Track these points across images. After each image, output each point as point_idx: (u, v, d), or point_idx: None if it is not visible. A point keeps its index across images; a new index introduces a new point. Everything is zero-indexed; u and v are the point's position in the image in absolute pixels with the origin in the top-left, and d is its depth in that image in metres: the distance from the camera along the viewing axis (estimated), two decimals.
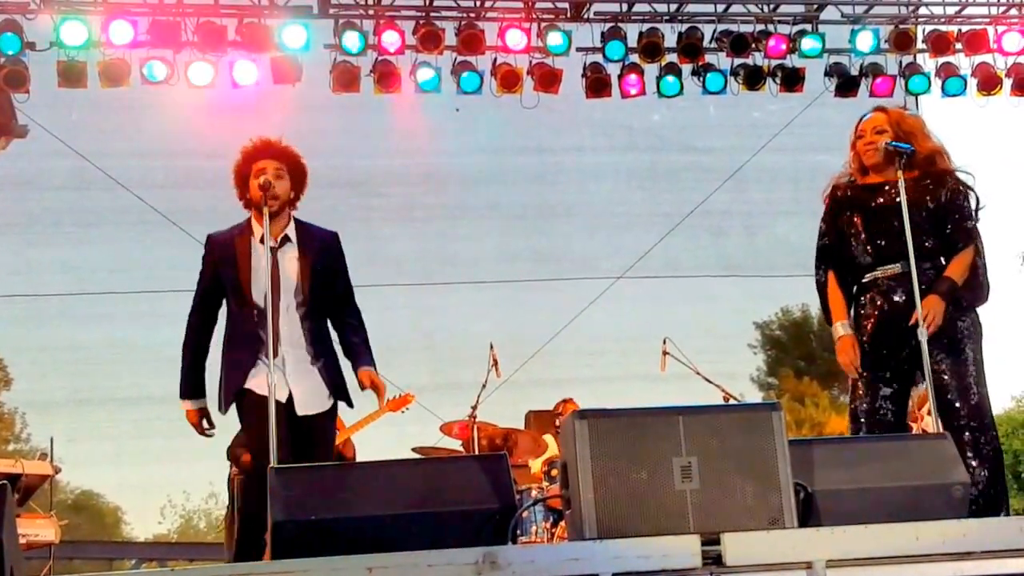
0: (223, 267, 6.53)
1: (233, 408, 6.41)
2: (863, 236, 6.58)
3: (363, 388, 6.58)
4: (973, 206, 6.60)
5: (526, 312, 16.60)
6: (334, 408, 6.64)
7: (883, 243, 6.51)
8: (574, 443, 4.52)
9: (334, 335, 6.77)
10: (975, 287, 6.54)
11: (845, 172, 6.86)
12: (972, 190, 6.64)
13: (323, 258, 6.64)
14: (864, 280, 6.62)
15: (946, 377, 6.27)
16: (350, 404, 6.75)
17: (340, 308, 6.74)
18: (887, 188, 6.61)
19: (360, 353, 6.67)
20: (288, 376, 6.38)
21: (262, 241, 6.45)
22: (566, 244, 16.85)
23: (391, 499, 4.85)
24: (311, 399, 6.47)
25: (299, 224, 6.69)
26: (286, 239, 6.57)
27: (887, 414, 6.45)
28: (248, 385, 6.34)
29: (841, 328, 6.64)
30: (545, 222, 16.63)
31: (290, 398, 6.35)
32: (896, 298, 6.46)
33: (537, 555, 4.31)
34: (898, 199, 6.42)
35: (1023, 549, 4.27)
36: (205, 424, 6.63)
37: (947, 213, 6.54)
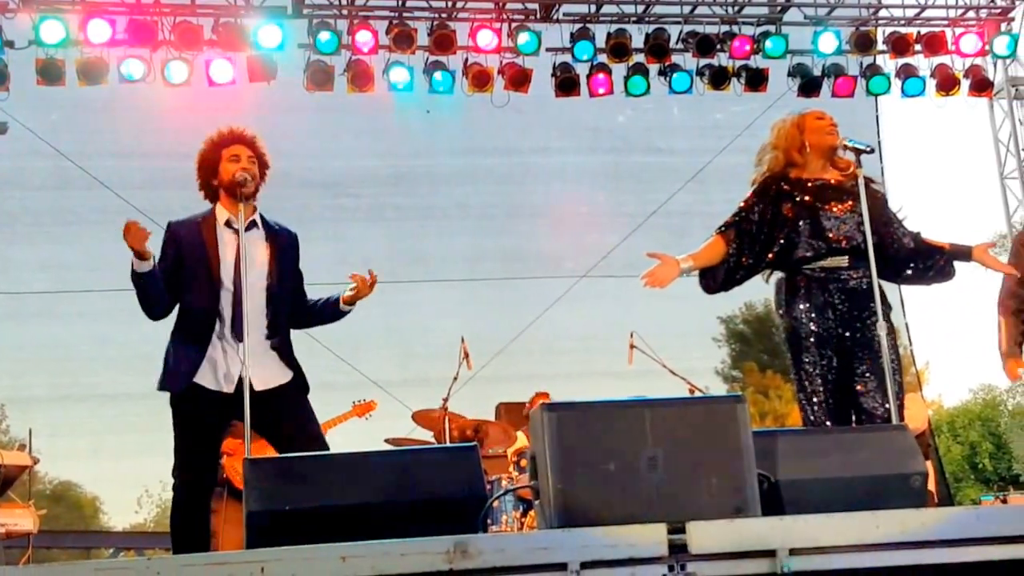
0: (190, 250, 6.54)
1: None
2: (809, 226, 6.61)
3: (364, 285, 6.71)
4: None
5: (493, 310, 16.65)
6: (296, 380, 6.61)
7: (832, 235, 6.59)
8: (543, 435, 4.52)
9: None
10: None
11: (772, 157, 6.87)
12: None
13: (288, 251, 6.77)
14: (807, 269, 6.64)
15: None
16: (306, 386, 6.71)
17: (300, 299, 6.85)
18: (833, 183, 6.73)
19: (328, 297, 6.87)
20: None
21: (227, 225, 6.53)
22: (532, 244, 16.92)
23: (364, 489, 4.87)
24: (269, 374, 6.46)
25: (262, 216, 6.75)
26: (253, 223, 6.62)
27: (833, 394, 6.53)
28: (198, 379, 6.37)
29: (683, 261, 6.79)
30: (512, 222, 16.69)
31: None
32: (852, 285, 6.58)
33: (507, 544, 4.28)
34: (847, 197, 6.62)
35: (980, 538, 4.28)
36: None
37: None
